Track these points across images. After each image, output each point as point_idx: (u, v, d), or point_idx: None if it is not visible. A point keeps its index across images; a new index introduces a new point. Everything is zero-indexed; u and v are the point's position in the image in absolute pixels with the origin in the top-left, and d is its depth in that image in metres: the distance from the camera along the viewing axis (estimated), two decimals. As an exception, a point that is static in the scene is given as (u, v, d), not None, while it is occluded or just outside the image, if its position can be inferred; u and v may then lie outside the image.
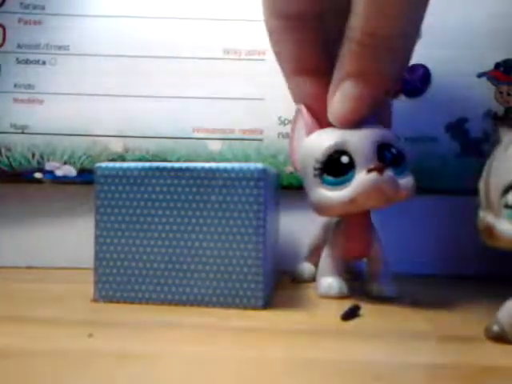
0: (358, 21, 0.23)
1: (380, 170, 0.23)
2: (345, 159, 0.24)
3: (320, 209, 0.26)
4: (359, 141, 0.24)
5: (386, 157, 0.24)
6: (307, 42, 0.26)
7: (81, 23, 0.35)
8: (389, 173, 0.24)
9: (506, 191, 0.19)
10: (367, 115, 0.25)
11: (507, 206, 0.19)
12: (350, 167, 0.24)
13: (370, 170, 0.23)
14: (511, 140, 0.20)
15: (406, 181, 0.25)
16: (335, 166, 0.25)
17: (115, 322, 0.22)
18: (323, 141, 0.25)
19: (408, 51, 0.25)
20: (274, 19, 0.26)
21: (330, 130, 0.26)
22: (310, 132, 0.26)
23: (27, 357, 0.17)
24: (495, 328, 0.20)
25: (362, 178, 0.24)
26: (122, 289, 0.24)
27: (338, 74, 0.25)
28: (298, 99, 0.28)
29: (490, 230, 0.19)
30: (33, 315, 0.23)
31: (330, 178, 0.25)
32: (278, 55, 0.28)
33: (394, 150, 0.25)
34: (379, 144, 0.25)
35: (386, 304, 0.26)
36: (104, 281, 0.25)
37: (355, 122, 0.25)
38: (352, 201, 0.24)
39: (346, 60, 0.24)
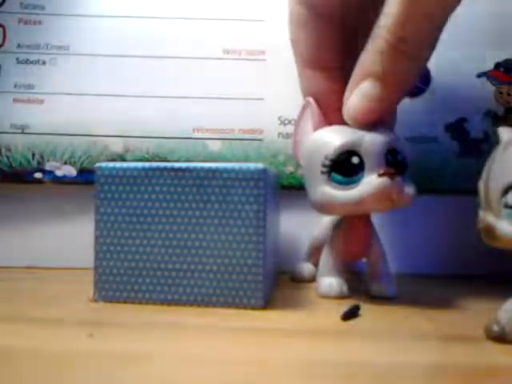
0: (389, 21, 0.22)
1: (392, 176, 0.23)
2: (355, 160, 0.24)
3: (323, 206, 0.25)
4: (372, 144, 0.24)
5: (388, 160, 0.24)
6: (326, 35, 0.26)
7: (81, 23, 0.35)
8: (398, 179, 0.24)
9: (505, 191, 0.19)
10: (382, 118, 0.25)
11: (507, 206, 0.19)
12: (360, 168, 0.24)
13: (381, 175, 0.23)
14: (511, 140, 0.20)
15: (409, 188, 0.25)
16: (345, 166, 0.24)
17: (115, 322, 0.22)
18: (335, 138, 0.25)
19: (427, 60, 0.24)
20: (299, 5, 0.26)
21: (342, 128, 0.25)
22: (317, 127, 0.26)
23: (27, 357, 0.17)
24: (495, 328, 0.19)
25: (373, 181, 0.24)
26: (122, 289, 0.24)
27: (359, 70, 0.24)
28: (307, 92, 0.27)
29: (490, 230, 0.19)
30: (33, 315, 0.23)
31: (339, 177, 0.24)
32: (295, 44, 0.27)
33: (399, 157, 0.25)
34: (388, 149, 0.24)
35: (386, 304, 0.26)
36: (104, 281, 0.24)
37: (370, 123, 0.24)
38: (360, 202, 0.24)
39: (370, 58, 0.23)
